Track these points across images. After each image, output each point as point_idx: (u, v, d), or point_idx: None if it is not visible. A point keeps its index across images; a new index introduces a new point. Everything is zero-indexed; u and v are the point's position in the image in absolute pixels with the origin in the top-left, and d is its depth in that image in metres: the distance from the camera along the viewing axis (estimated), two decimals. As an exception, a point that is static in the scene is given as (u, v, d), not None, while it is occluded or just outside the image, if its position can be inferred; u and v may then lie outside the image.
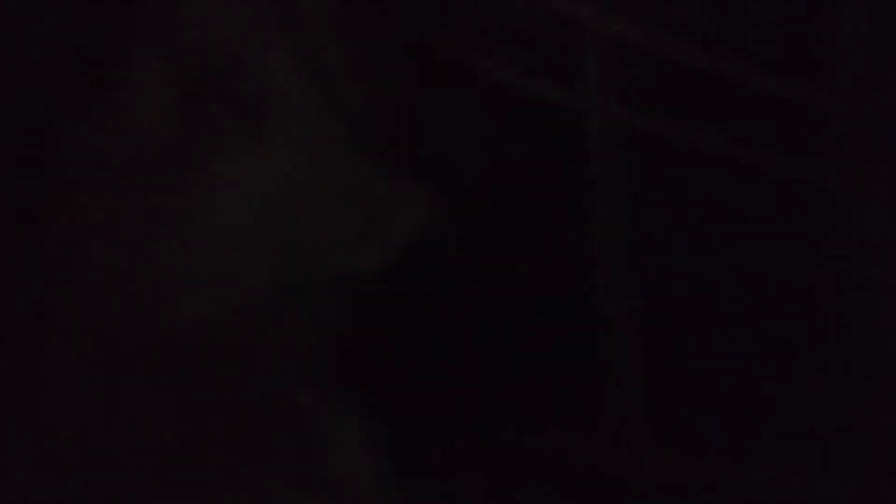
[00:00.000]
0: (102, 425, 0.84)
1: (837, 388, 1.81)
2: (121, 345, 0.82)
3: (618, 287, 1.71)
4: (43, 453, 0.84)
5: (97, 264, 0.80)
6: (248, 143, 0.82)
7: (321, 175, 0.85)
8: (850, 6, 1.90)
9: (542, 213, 1.68)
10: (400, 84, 0.88)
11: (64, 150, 0.81)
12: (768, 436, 1.76)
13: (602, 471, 1.65)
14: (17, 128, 0.83)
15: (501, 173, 1.64)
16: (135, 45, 0.79)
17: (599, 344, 1.69)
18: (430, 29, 0.95)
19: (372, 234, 0.89)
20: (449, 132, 1.02)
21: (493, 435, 1.48)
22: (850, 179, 1.87)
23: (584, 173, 1.72)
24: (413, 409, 1.13)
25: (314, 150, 0.84)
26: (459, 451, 1.28)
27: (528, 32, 1.70)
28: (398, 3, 0.89)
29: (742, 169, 1.85)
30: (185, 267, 0.81)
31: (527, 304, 1.60)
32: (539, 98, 1.69)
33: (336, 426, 0.93)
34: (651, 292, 1.72)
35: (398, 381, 1.11)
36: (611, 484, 1.65)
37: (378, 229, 0.90)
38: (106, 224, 0.79)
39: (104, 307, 0.81)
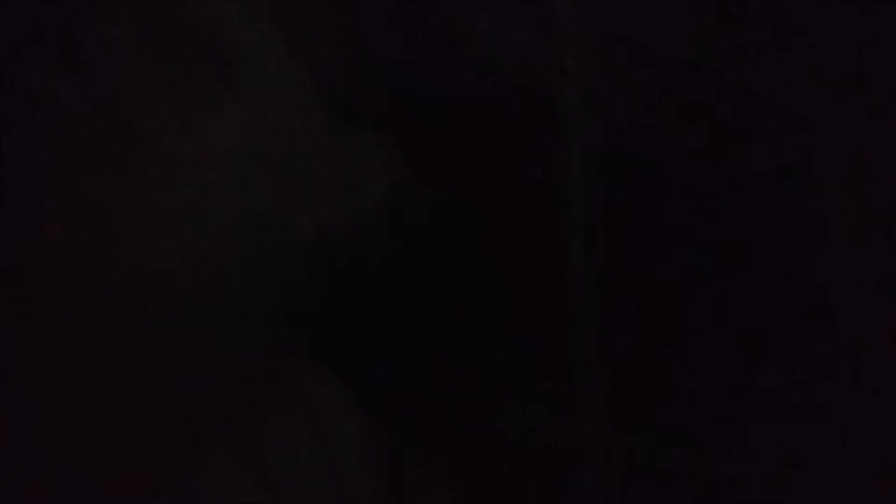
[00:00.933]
0: (72, 390, 0.84)
1: (797, 374, 1.84)
2: (87, 306, 0.82)
3: (584, 269, 1.72)
4: (13, 418, 0.84)
5: (65, 220, 0.80)
6: (219, 99, 0.82)
7: (290, 132, 0.85)
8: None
9: (513, 186, 1.72)
10: (373, 45, 0.89)
11: (32, 101, 0.81)
12: (726, 421, 1.79)
13: (562, 450, 1.65)
14: None
15: (473, 136, 1.66)
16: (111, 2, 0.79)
17: (563, 325, 1.70)
18: None
19: (339, 192, 0.90)
20: (420, 94, 1.01)
21: (456, 412, 1.49)
22: (823, 179, 1.89)
23: (557, 143, 1.74)
24: (376, 379, 1.14)
25: (284, 108, 0.84)
26: (421, 426, 1.29)
27: None
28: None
29: (717, 161, 1.87)
30: (155, 224, 0.81)
31: (492, 282, 1.60)
32: (514, 60, 1.71)
33: (299, 392, 0.93)
34: (617, 278, 1.73)
35: (362, 349, 1.10)
36: (570, 463, 1.65)
37: (345, 188, 0.90)
38: (74, 179, 0.80)
39: (72, 265, 0.81)
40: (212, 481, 0.84)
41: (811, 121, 1.95)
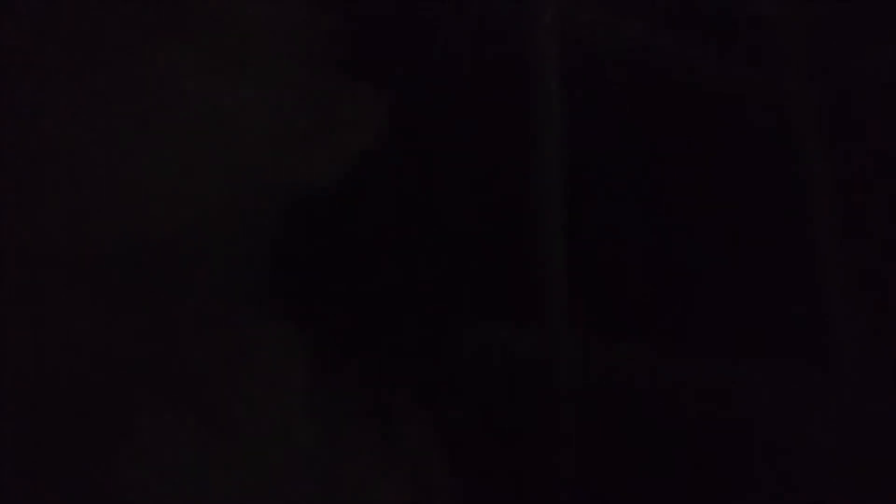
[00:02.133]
0: (53, 339, 0.86)
1: (749, 281, 1.89)
2: (70, 255, 0.84)
3: (549, 189, 1.77)
4: None
5: (59, 173, 0.82)
6: (213, 54, 0.85)
7: (276, 84, 0.88)
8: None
9: (487, 120, 1.69)
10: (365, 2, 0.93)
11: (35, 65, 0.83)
12: (683, 325, 1.83)
13: (530, 358, 1.69)
14: None
15: (451, 85, 1.59)
16: None
17: (529, 241, 1.73)
18: None
19: (321, 142, 0.92)
20: (405, 44, 1.01)
21: (429, 329, 1.50)
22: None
23: (528, 81, 1.76)
24: (355, 309, 1.16)
25: (272, 60, 0.87)
26: (398, 349, 1.32)
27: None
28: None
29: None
30: (148, 174, 0.84)
31: (465, 207, 1.63)
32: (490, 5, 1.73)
33: (276, 338, 0.95)
34: (579, 194, 1.77)
35: (343, 283, 1.13)
36: (536, 369, 1.69)
37: (328, 137, 0.92)
38: (68, 134, 0.82)
39: (59, 215, 0.84)
40: (173, 444, 0.85)
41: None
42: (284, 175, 0.90)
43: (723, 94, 1.90)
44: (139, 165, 0.83)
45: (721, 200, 1.86)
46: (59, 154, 0.82)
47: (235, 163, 0.87)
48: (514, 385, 1.64)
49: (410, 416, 1.07)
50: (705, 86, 1.90)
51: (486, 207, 1.67)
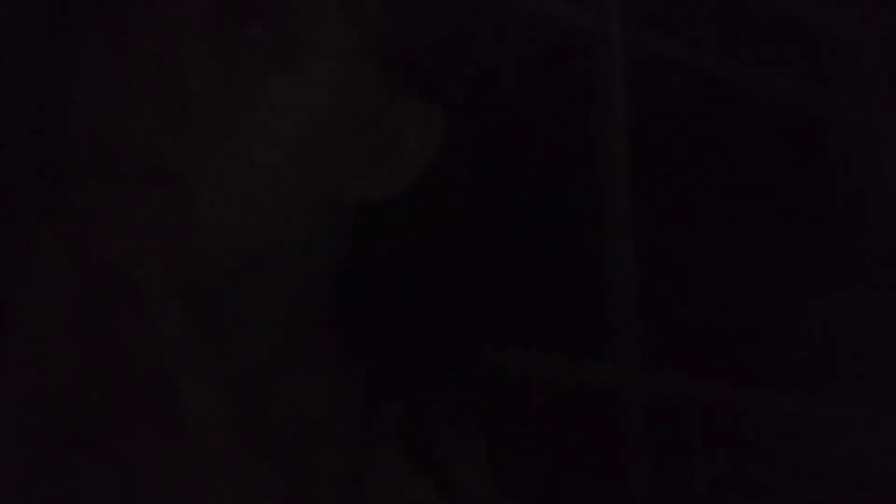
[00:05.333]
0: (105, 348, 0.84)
1: (827, 315, 1.85)
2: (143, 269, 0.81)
3: (619, 216, 1.74)
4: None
5: (129, 184, 0.79)
6: (282, 66, 0.81)
7: (345, 97, 0.84)
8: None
9: (553, 140, 1.70)
10: (421, 8, 0.88)
11: (100, 68, 0.80)
12: (757, 360, 1.81)
13: (598, 390, 1.68)
14: (42, 47, 0.84)
15: (516, 98, 1.67)
16: None
17: (599, 272, 1.72)
18: None
19: (387, 158, 0.87)
20: (464, 56, 0.99)
21: (494, 359, 1.50)
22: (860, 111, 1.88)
23: (595, 97, 1.75)
24: (418, 334, 1.15)
25: (341, 73, 0.83)
26: (461, 374, 1.30)
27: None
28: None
29: (750, 96, 1.86)
30: (215, 192, 0.80)
31: (531, 231, 1.63)
32: (554, 20, 1.72)
33: (329, 355, 0.91)
34: (651, 223, 1.75)
35: (401, 308, 1.12)
36: (605, 403, 1.68)
37: (392, 153, 0.87)
38: (138, 147, 0.79)
39: (137, 227, 0.80)
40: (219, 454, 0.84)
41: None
42: (346, 190, 0.86)
43: (800, 116, 1.88)
44: (226, 178, 0.81)
45: (795, 226, 1.84)
46: (148, 172, 0.80)
47: (303, 177, 0.84)
48: (580, 417, 1.62)
49: (463, 446, 1.01)
50: (774, 106, 1.87)
51: (552, 232, 1.64)
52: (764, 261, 1.86)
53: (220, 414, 0.81)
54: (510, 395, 1.54)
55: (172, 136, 0.79)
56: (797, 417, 1.83)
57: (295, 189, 0.83)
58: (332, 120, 0.83)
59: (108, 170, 0.79)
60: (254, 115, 0.80)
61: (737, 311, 1.82)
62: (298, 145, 0.82)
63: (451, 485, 0.91)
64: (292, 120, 0.81)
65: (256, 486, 0.82)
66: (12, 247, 0.88)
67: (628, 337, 1.74)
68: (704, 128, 1.86)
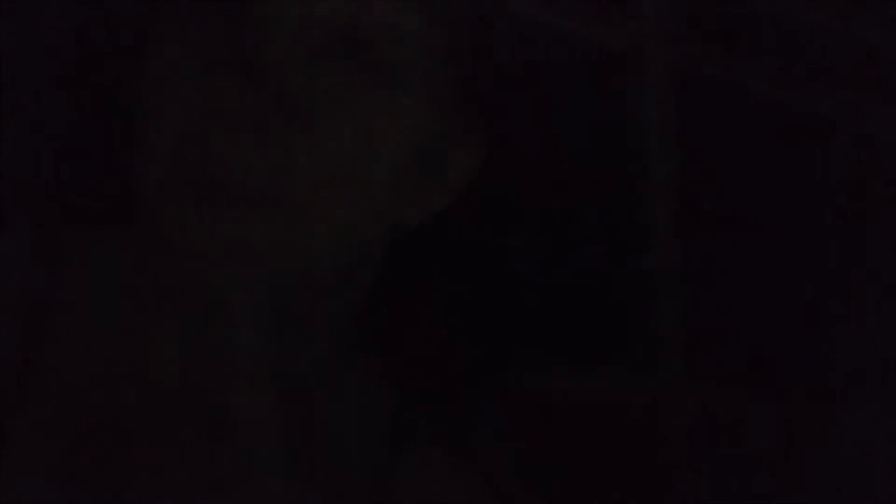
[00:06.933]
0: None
1: (861, 328, 1.85)
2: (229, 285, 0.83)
3: (660, 231, 1.74)
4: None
5: (221, 211, 0.81)
6: (377, 93, 0.82)
7: (422, 124, 0.85)
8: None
9: (590, 158, 1.69)
10: (473, 33, 0.89)
11: (193, 94, 0.81)
12: (795, 373, 1.81)
13: (638, 403, 1.68)
14: (141, 77, 0.85)
15: (557, 116, 1.64)
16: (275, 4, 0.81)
17: (640, 285, 1.71)
18: None
19: (435, 178, 0.88)
20: (505, 74, 1.01)
21: (536, 374, 1.52)
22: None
23: (636, 116, 1.74)
24: (453, 352, 1.15)
25: (423, 100, 0.85)
26: (502, 392, 1.31)
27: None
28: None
29: (790, 110, 1.85)
30: (310, 214, 0.82)
31: (571, 248, 1.61)
32: (592, 38, 1.72)
33: (368, 383, 0.93)
34: (692, 236, 1.74)
35: (436, 328, 1.12)
36: (645, 415, 1.68)
37: (440, 173, 0.89)
38: (237, 169, 0.80)
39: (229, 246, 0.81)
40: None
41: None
42: (401, 211, 0.87)
43: (846, 132, 1.86)
44: (308, 202, 0.82)
45: (842, 242, 1.82)
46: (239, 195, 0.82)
47: (381, 201, 0.85)
48: (624, 431, 1.62)
49: (505, 460, 1.02)
50: (820, 123, 1.86)
51: (595, 249, 1.65)
52: (811, 274, 1.84)
53: (274, 429, 0.83)
54: (551, 409, 1.57)
55: (274, 160, 0.79)
56: (846, 430, 1.81)
57: (373, 212, 0.83)
58: (411, 145, 0.84)
59: (198, 190, 0.79)
60: (351, 140, 0.81)
61: (782, 326, 1.81)
62: (385, 171, 0.82)
63: (490, 488, 0.93)
64: (384, 147, 0.82)
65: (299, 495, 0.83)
66: (63, 248, 0.88)
67: (673, 350, 1.73)
68: (748, 143, 1.85)
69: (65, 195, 1.21)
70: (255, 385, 0.84)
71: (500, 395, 1.31)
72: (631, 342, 1.71)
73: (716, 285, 1.77)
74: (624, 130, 1.76)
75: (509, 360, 1.37)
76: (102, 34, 1.23)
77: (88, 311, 0.86)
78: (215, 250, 0.79)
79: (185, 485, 0.83)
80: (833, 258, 1.84)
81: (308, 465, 0.86)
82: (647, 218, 1.75)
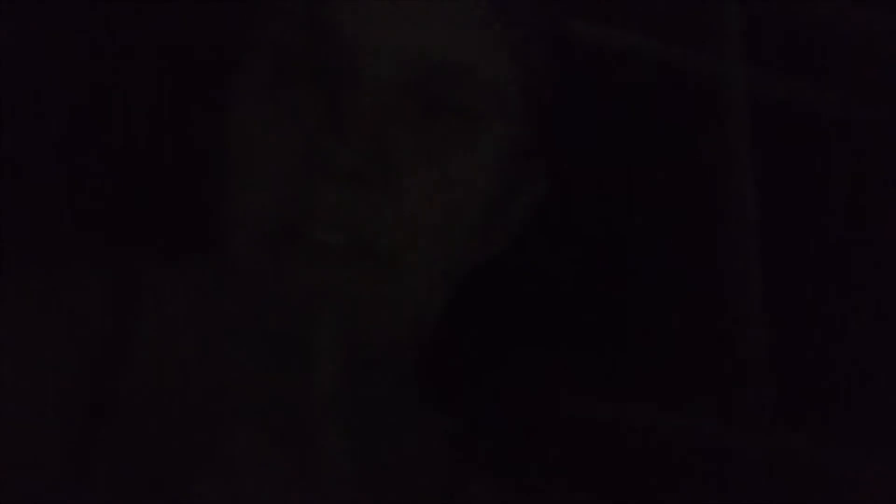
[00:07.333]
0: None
1: None
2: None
3: (746, 268, 1.68)
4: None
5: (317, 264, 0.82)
6: (463, 145, 0.84)
7: (489, 167, 0.86)
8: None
9: (668, 188, 1.66)
10: (542, 62, 0.88)
11: (286, 152, 0.82)
12: (887, 420, 1.73)
13: (727, 448, 1.62)
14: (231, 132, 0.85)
15: (636, 145, 1.63)
16: (361, 50, 0.81)
17: (726, 327, 1.65)
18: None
19: (502, 217, 0.89)
20: (582, 105, 1.01)
21: (622, 417, 1.47)
22: None
23: (715, 145, 1.69)
24: (530, 394, 1.16)
25: (501, 151, 0.86)
26: (583, 435, 1.29)
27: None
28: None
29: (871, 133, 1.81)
30: (404, 266, 0.83)
31: (651, 285, 1.58)
32: (671, 67, 1.67)
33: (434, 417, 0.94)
34: (779, 273, 1.68)
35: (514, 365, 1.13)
36: (734, 460, 1.62)
37: (507, 211, 0.89)
38: (291, 216, 0.82)
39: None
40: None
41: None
42: (473, 250, 0.89)
43: None
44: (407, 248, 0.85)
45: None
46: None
47: (460, 250, 0.87)
48: (704, 479, 1.58)
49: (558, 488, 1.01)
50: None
51: (674, 284, 1.61)
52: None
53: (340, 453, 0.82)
54: (624, 446, 1.51)
55: (374, 212, 0.81)
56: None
57: (457, 258, 0.85)
58: (490, 187, 0.85)
59: (278, 235, 0.81)
60: (441, 194, 0.82)
61: (874, 366, 1.74)
62: (469, 217, 0.85)
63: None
64: (467, 197, 0.84)
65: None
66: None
67: (757, 392, 1.66)
68: (831, 169, 1.80)
69: (143, 225, 1.21)
70: (324, 414, 0.84)
71: (568, 427, 1.29)
72: (712, 381, 1.65)
73: (803, 320, 1.70)
74: (704, 157, 1.71)
75: (579, 392, 1.35)
76: (194, 71, 1.22)
77: (168, 339, 0.87)
78: (291, 294, 0.80)
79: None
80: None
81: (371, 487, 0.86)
82: (728, 249, 1.69)
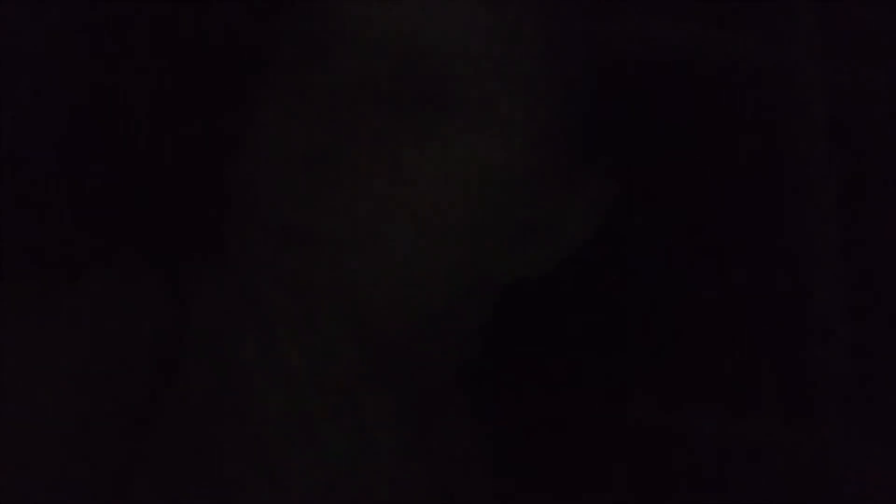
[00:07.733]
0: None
1: None
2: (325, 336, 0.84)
3: (824, 275, 1.64)
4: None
5: (293, 255, 0.81)
6: (439, 133, 0.82)
7: (501, 170, 0.84)
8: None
9: (735, 198, 1.63)
10: (580, 73, 0.87)
11: (255, 138, 0.82)
12: None
13: (796, 458, 1.59)
14: (209, 115, 0.89)
15: (709, 146, 1.60)
16: (334, 34, 0.81)
17: (800, 334, 1.61)
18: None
19: (546, 233, 0.88)
20: (627, 116, 0.95)
21: (688, 424, 1.45)
22: None
23: (796, 134, 1.65)
24: (598, 406, 1.13)
25: (496, 147, 0.83)
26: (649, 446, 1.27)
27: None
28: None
29: None
30: (376, 259, 0.82)
31: (725, 297, 1.55)
32: (748, 59, 1.63)
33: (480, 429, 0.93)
34: (861, 271, 1.64)
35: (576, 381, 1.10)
36: (806, 471, 1.59)
37: (553, 228, 0.88)
38: (301, 213, 0.81)
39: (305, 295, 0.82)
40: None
41: None
42: (498, 267, 0.87)
43: None
44: (385, 244, 0.83)
45: None
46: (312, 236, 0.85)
47: (466, 249, 0.85)
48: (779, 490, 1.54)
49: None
50: None
51: (748, 291, 1.57)
52: None
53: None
54: (698, 458, 1.49)
55: (342, 203, 0.81)
56: None
57: (447, 265, 0.83)
58: (487, 195, 0.83)
59: (281, 233, 0.81)
60: (432, 185, 0.81)
61: None
62: (471, 216, 0.82)
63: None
64: (468, 191, 0.82)
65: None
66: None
67: (837, 397, 1.63)
68: None
69: (145, 225, 1.20)
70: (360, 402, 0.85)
71: (635, 433, 1.27)
72: (783, 388, 1.61)
73: (885, 321, 1.66)
74: (775, 153, 1.67)
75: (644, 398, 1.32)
76: (194, 71, 1.20)
77: (217, 337, 0.87)
78: (302, 288, 0.80)
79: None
80: None
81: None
82: (806, 249, 1.64)
